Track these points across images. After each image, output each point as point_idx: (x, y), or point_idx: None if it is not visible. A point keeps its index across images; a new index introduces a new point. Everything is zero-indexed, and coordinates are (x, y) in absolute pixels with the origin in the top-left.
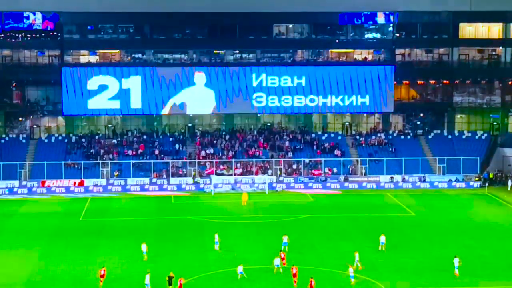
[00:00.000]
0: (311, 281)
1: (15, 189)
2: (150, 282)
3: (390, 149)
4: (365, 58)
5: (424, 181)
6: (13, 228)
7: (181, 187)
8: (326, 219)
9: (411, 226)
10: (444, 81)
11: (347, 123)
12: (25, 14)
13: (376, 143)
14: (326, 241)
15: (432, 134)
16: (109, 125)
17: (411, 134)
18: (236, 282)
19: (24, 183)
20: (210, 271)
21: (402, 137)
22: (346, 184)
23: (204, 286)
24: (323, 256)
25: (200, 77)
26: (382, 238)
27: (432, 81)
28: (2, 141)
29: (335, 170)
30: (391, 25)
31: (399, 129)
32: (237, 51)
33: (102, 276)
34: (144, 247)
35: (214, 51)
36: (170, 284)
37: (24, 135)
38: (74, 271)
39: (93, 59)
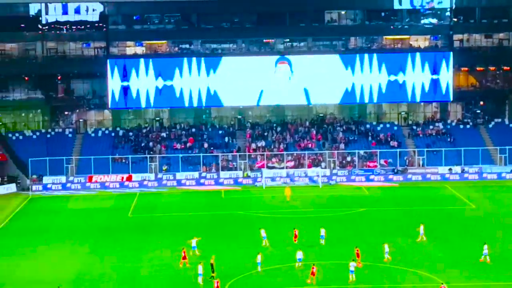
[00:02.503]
0: (312, 268)
1: (61, 185)
2: (203, 272)
3: (449, 139)
4: (419, 45)
5: (485, 172)
6: (61, 225)
7: (231, 181)
8: (382, 213)
9: (471, 219)
10: (505, 68)
11: (403, 113)
12: (69, 6)
13: (434, 133)
14: (381, 236)
15: (492, 123)
16: (157, 118)
17: (470, 123)
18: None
19: (71, 178)
20: (258, 268)
21: (461, 126)
22: (402, 176)
23: (251, 284)
24: (378, 250)
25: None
26: (422, 228)
27: (492, 68)
28: (48, 135)
29: (391, 161)
30: (449, 9)
31: (457, 118)
32: (288, 40)
33: (184, 258)
34: (194, 242)
35: (264, 40)
36: (213, 271)
37: (70, 130)
38: (123, 268)
39: (139, 50)
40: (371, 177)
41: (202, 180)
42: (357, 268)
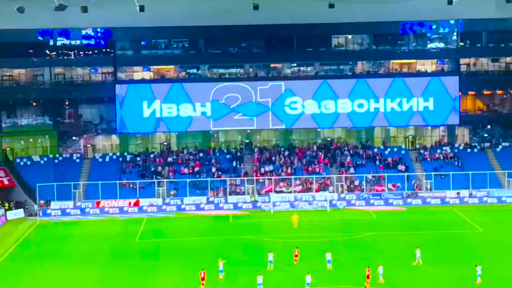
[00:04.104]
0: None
1: (69, 210)
2: None
3: (456, 163)
4: (426, 69)
5: (493, 196)
6: (69, 250)
7: (239, 205)
8: (390, 237)
9: (479, 243)
10: None
11: (410, 137)
12: (76, 31)
13: (441, 157)
14: (391, 260)
15: (500, 146)
16: (165, 143)
17: (478, 147)
18: None
19: (78, 203)
20: None
21: (469, 150)
22: (410, 200)
23: None
24: (388, 276)
25: None
26: (418, 252)
27: (499, 92)
28: (56, 161)
29: (399, 185)
30: (455, 33)
31: (465, 142)
32: (295, 64)
33: (202, 279)
34: (221, 265)
35: (271, 65)
36: None
37: (78, 155)
38: None
39: (147, 75)
40: (379, 201)
41: (209, 205)
42: None
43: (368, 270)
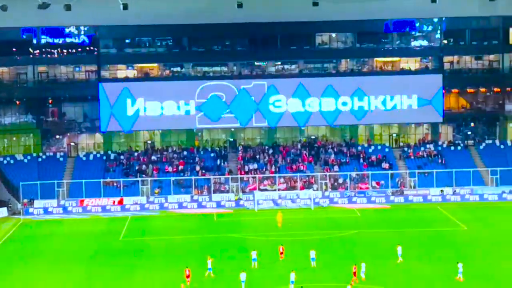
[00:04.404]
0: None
1: (51, 209)
2: None
3: (440, 161)
4: (409, 67)
5: (476, 193)
6: (53, 249)
7: (222, 204)
8: (375, 235)
9: (464, 241)
10: (495, 89)
11: (394, 135)
12: (60, 29)
13: (425, 155)
14: (374, 258)
15: (483, 144)
16: (149, 141)
17: (461, 145)
18: None
19: (62, 202)
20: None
21: (452, 148)
22: (394, 198)
23: None
24: (372, 273)
25: None
26: (399, 249)
27: (482, 89)
28: (39, 159)
29: (382, 182)
30: (439, 32)
31: (448, 140)
32: (279, 62)
33: (187, 276)
34: (209, 263)
35: (255, 63)
36: None
37: (62, 153)
38: None
39: (131, 73)
40: (362, 199)
41: (192, 204)
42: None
43: (355, 268)
